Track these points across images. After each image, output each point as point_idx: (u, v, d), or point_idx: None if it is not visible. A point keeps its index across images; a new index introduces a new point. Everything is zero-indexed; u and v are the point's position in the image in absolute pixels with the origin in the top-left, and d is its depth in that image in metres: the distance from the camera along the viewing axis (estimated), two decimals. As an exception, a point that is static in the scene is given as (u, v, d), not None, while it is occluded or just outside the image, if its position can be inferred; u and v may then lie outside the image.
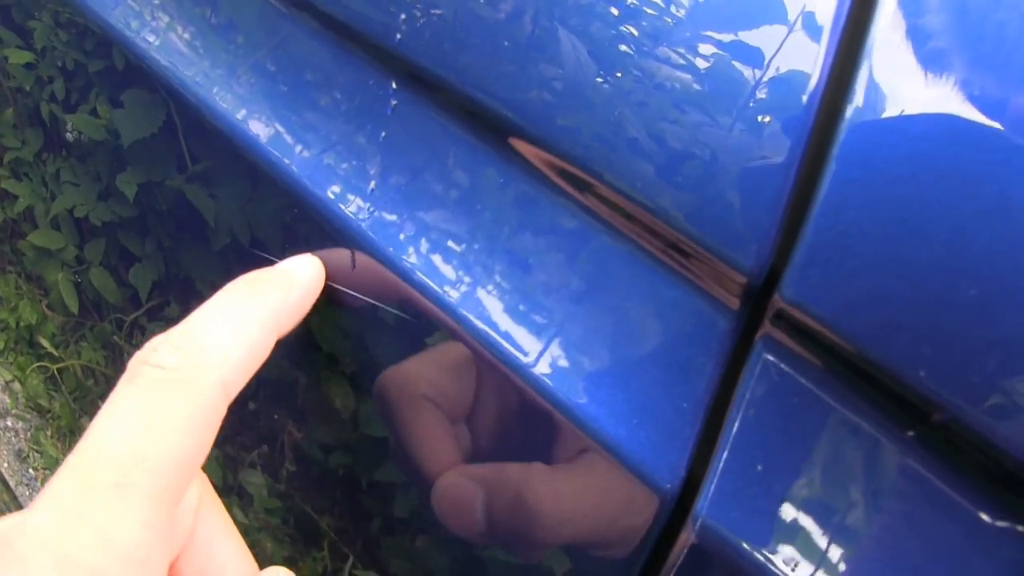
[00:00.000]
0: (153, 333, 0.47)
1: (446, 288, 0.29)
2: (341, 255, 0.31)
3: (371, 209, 0.30)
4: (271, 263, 0.31)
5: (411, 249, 0.29)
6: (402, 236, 0.30)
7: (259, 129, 0.33)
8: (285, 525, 0.44)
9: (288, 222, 0.34)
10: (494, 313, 0.28)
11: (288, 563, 0.45)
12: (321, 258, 0.32)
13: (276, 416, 0.40)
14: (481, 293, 0.28)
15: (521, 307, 0.28)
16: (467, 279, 0.29)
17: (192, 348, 0.25)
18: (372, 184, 0.30)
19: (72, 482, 0.22)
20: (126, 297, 0.49)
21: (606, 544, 0.27)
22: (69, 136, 0.48)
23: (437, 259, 0.29)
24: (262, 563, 0.47)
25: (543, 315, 0.27)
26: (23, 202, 0.54)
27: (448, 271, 0.29)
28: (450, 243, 0.29)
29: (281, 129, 0.33)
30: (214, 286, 0.41)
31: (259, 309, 0.28)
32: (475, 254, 0.29)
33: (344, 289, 0.31)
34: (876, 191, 0.20)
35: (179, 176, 0.39)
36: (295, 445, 0.40)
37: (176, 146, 0.39)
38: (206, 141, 0.37)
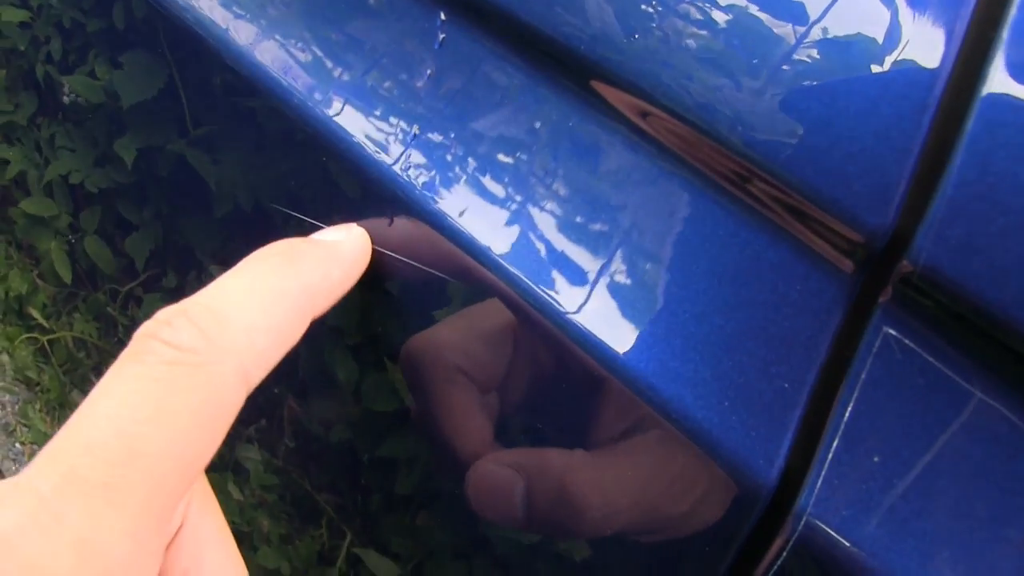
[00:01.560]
0: (150, 304, 0.46)
1: (495, 242, 0.26)
2: (378, 222, 0.28)
3: (410, 156, 0.28)
4: (299, 226, 0.29)
5: (453, 200, 0.27)
6: (445, 189, 0.27)
7: (287, 67, 0.31)
8: (282, 502, 0.43)
9: (296, 188, 0.33)
10: (553, 272, 0.25)
11: (284, 541, 0.45)
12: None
13: (276, 390, 0.39)
14: (540, 248, 0.25)
15: (590, 266, 0.25)
16: (523, 232, 0.26)
17: (213, 327, 0.22)
18: (415, 128, 0.28)
19: (52, 475, 0.19)
20: (121, 267, 0.48)
21: (668, 535, 0.24)
22: (65, 99, 0.47)
23: (485, 208, 0.26)
24: (257, 541, 0.46)
25: (619, 277, 0.24)
26: (15, 167, 0.53)
27: (498, 221, 0.26)
28: (503, 188, 0.26)
29: (316, 62, 0.30)
30: (214, 255, 0.41)
31: (294, 286, 0.24)
32: (534, 202, 0.26)
33: (382, 251, 0.28)
34: None
35: (180, 140, 0.38)
36: (294, 420, 0.40)
37: (178, 109, 0.38)
38: (215, 99, 0.36)
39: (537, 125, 0.26)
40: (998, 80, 0.18)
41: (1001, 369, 0.19)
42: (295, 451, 0.41)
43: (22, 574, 0.18)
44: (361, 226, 0.28)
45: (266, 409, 0.40)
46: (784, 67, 0.21)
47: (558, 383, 0.26)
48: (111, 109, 0.43)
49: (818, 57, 0.21)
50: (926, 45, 0.20)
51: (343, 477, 0.38)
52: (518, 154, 0.26)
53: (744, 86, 0.22)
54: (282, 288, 0.24)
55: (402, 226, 0.28)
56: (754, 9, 0.22)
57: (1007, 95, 0.18)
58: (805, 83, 0.21)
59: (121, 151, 0.42)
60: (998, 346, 0.19)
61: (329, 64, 0.30)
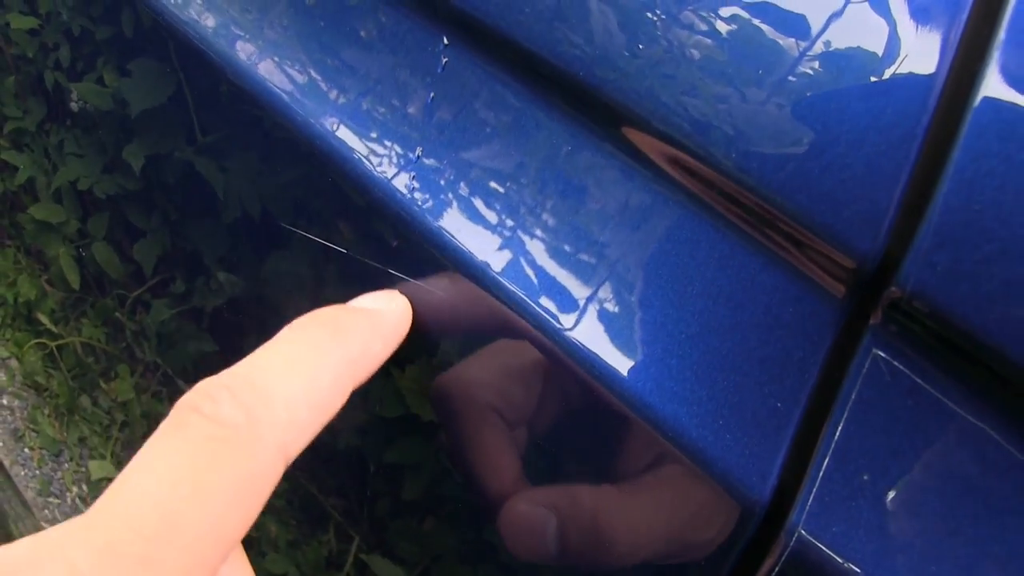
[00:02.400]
0: (158, 310, 0.47)
1: (494, 261, 0.26)
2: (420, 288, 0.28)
3: (414, 177, 0.28)
4: (305, 239, 0.28)
5: (453, 217, 0.27)
6: (452, 212, 0.27)
7: (288, 86, 0.31)
8: (290, 507, 0.43)
9: (303, 196, 0.33)
10: (551, 292, 0.25)
11: (292, 546, 0.45)
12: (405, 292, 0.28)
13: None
14: (538, 268, 0.26)
15: (588, 288, 0.25)
16: (521, 253, 0.26)
17: (255, 403, 0.21)
18: (418, 150, 0.28)
19: (89, 548, 0.18)
20: (129, 273, 0.49)
21: (680, 560, 0.25)
22: (74, 106, 0.47)
23: (485, 227, 0.27)
24: (264, 546, 0.46)
25: (617, 302, 0.25)
26: (24, 174, 0.53)
27: (494, 242, 0.27)
28: (501, 211, 0.27)
29: (315, 84, 0.31)
30: (222, 261, 0.41)
31: (337, 359, 0.24)
32: (539, 230, 0.26)
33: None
34: (1019, 164, 0.18)
35: (188, 148, 0.38)
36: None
37: (186, 117, 0.38)
38: (223, 107, 0.36)
39: (536, 148, 0.27)
40: (983, 113, 0.19)
41: (986, 391, 0.20)
42: (303, 457, 0.41)
43: None
44: (403, 291, 0.28)
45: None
46: (778, 97, 0.22)
47: (584, 417, 0.26)
48: (119, 116, 0.43)
49: (810, 88, 0.21)
50: (914, 79, 0.20)
51: (351, 483, 0.38)
52: (517, 177, 0.27)
53: (739, 114, 0.22)
54: (325, 362, 0.23)
55: (443, 288, 0.28)
56: (749, 35, 0.22)
57: (991, 127, 0.19)
58: (798, 113, 0.21)
59: (129, 158, 0.43)
60: (983, 369, 0.20)
61: (332, 86, 0.30)
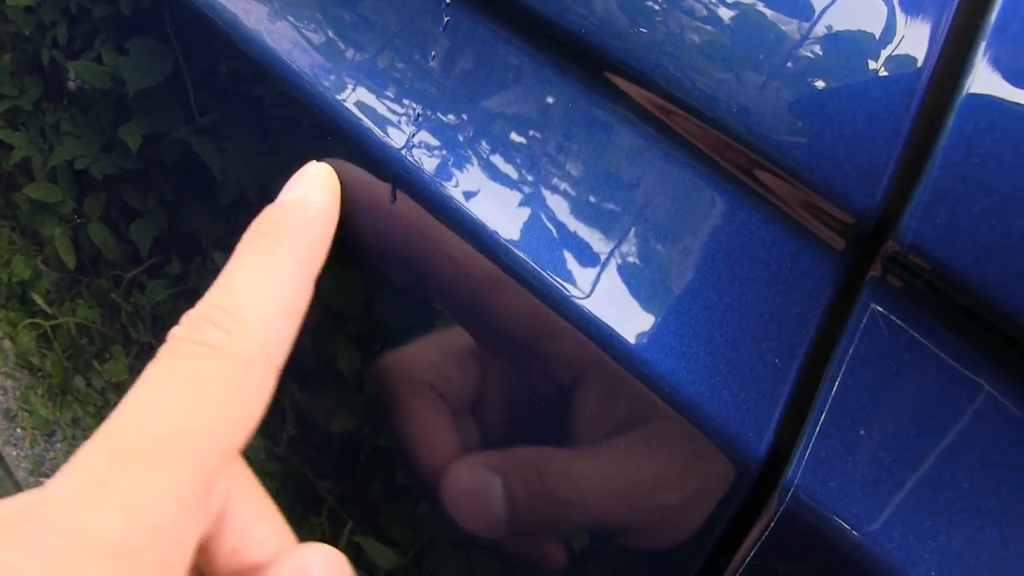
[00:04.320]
0: (154, 291, 0.46)
1: (499, 223, 0.26)
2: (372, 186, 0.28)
3: (415, 138, 0.28)
4: None
5: (459, 182, 0.27)
6: (453, 169, 0.27)
7: (291, 50, 0.31)
8: (284, 490, 0.43)
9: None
10: (552, 249, 0.25)
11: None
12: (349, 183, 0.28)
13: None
14: (537, 228, 0.26)
15: (589, 245, 0.25)
16: (523, 212, 0.26)
17: (232, 325, 0.24)
18: (419, 109, 0.28)
19: (100, 452, 0.21)
20: (126, 253, 0.48)
21: (661, 520, 0.25)
22: (71, 84, 0.47)
23: (489, 187, 0.27)
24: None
25: (616, 256, 0.25)
26: (19, 153, 0.53)
27: (503, 202, 0.26)
28: (512, 171, 0.26)
29: (314, 48, 0.30)
30: (219, 242, 0.41)
31: (287, 262, 0.26)
32: (538, 183, 0.26)
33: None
34: (1019, 117, 0.18)
35: (186, 127, 0.38)
36: (297, 408, 0.40)
37: (184, 96, 0.38)
38: (221, 87, 0.36)
39: (540, 108, 0.26)
40: (983, 69, 0.19)
41: (983, 345, 0.20)
42: (297, 439, 0.41)
43: (77, 540, 0.19)
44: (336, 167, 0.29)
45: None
46: (780, 55, 0.22)
47: (532, 400, 0.26)
48: (117, 95, 0.43)
49: (813, 46, 0.21)
50: (916, 34, 0.20)
51: (344, 465, 0.39)
52: (520, 137, 0.27)
53: (742, 73, 0.22)
54: (280, 269, 0.26)
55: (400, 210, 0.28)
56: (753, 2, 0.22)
57: (991, 82, 0.19)
58: (800, 70, 0.21)
59: (126, 137, 0.42)
60: (981, 323, 0.20)
61: (334, 46, 0.30)
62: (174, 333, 0.24)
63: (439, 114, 0.28)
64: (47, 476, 0.79)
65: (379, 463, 0.36)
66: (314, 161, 0.29)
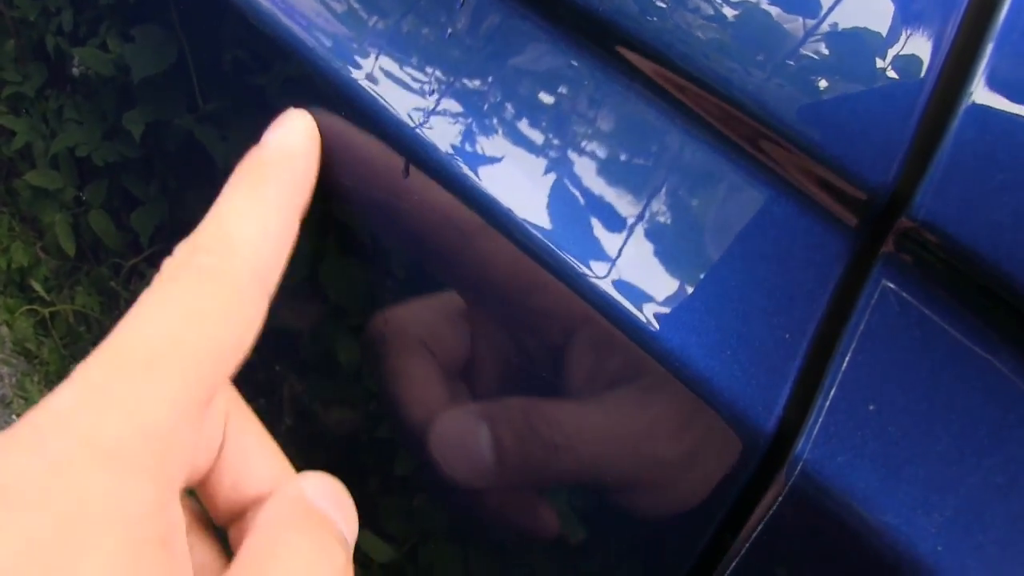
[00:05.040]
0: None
1: (511, 199, 0.26)
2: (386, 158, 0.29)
3: (429, 111, 0.28)
4: None
5: (473, 156, 0.27)
6: (464, 140, 0.27)
7: (305, 25, 0.31)
8: (279, 480, 0.43)
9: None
10: (565, 225, 0.25)
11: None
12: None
13: (277, 368, 0.39)
14: (551, 203, 0.26)
15: (600, 220, 0.25)
16: (534, 186, 0.26)
17: (223, 249, 0.25)
18: (436, 86, 0.28)
19: (100, 362, 0.22)
20: (126, 241, 0.48)
21: (658, 477, 0.25)
22: (75, 71, 0.47)
23: (501, 161, 0.27)
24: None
25: (627, 230, 0.25)
26: (21, 139, 0.53)
27: (515, 177, 0.27)
28: (534, 142, 0.27)
29: (337, 23, 0.30)
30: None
31: (273, 194, 0.27)
32: (548, 159, 0.26)
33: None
34: None
35: (189, 116, 0.38)
36: (295, 399, 0.40)
37: (188, 84, 0.38)
38: (225, 75, 0.36)
39: (555, 84, 0.27)
40: (999, 47, 0.19)
41: (994, 321, 0.20)
42: (294, 430, 0.41)
43: (76, 444, 0.20)
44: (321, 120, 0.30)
45: (266, 388, 0.40)
46: (797, 33, 0.22)
47: (525, 364, 0.26)
48: (121, 82, 0.43)
49: (830, 23, 0.21)
50: (933, 13, 0.21)
51: (342, 458, 0.39)
52: (535, 114, 0.27)
53: (757, 49, 0.22)
54: (266, 201, 0.27)
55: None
56: None
57: (1007, 59, 0.19)
58: (816, 48, 0.22)
59: (129, 125, 0.42)
60: (992, 299, 0.20)
61: (348, 21, 0.30)
62: (167, 261, 0.25)
63: (452, 94, 0.28)
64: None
65: (376, 456, 0.36)
66: (293, 108, 0.30)
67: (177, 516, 0.22)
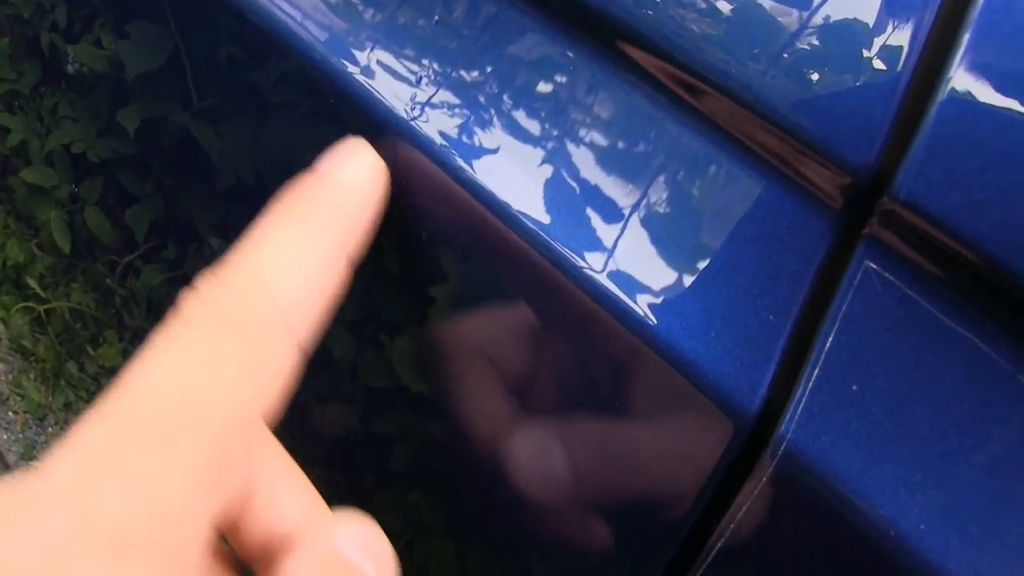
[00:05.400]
0: (149, 276, 0.46)
1: (504, 187, 0.26)
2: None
3: (419, 102, 0.28)
4: None
5: (474, 151, 0.27)
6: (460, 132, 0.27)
7: (300, 18, 0.30)
8: (275, 476, 0.43)
9: (297, 163, 0.33)
10: (557, 215, 0.25)
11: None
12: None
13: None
14: (544, 193, 0.26)
15: (585, 205, 0.25)
16: (524, 176, 0.26)
17: (252, 292, 0.22)
18: (424, 73, 0.28)
19: (102, 431, 0.19)
20: (121, 238, 0.48)
21: (668, 475, 0.25)
22: (70, 68, 0.47)
23: (493, 154, 0.27)
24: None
25: (613, 213, 0.25)
26: (16, 136, 0.53)
27: (507, 168, 0.26)
28: (526, 133, 0.27)
29: (327, 17, 0.30)
30: (215, 228, 0.41)
31: (321, 235, 0.24)
32: (546, 150, 0.26)
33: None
34: (1012, 74, 0.19)
35: (184, 112, 0.38)
36: (290, 395, 0.40)
37: (182, 81, 0.38)
38: (219, 71, 0.36)
39: (547, 77, 0.27)
40: (978, 29, 0.20)
41: (975, 300, 0.20)
42: (290, 426, 0.41)
43: (75, 524, 0.18)
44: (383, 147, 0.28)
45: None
46: (780, 18, 0.22)
47: (574, 375, 0.26)
48: (115, 79, 0.43)
49: (814, 10, 0.22)
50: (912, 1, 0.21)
51: (336, 453, 0.39)
52: (524, 103, 0.27)
53: (743, 37, 0.23)
54: (312, 241, 0.24)
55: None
56: None
57: (986, 40, 0.19)
58: (799, 35, 0.22)
59: (124, 122, 0.42)
60: (973, 278, 0.20)
61: (343, 15, 0.30)
62: (187, 297, 0.22)
63: (448, 85, 0.28)
64: (38, 460, 0.79)
65: (371, 452, 0.36)
66: (356, 137, 0.27)
67: None
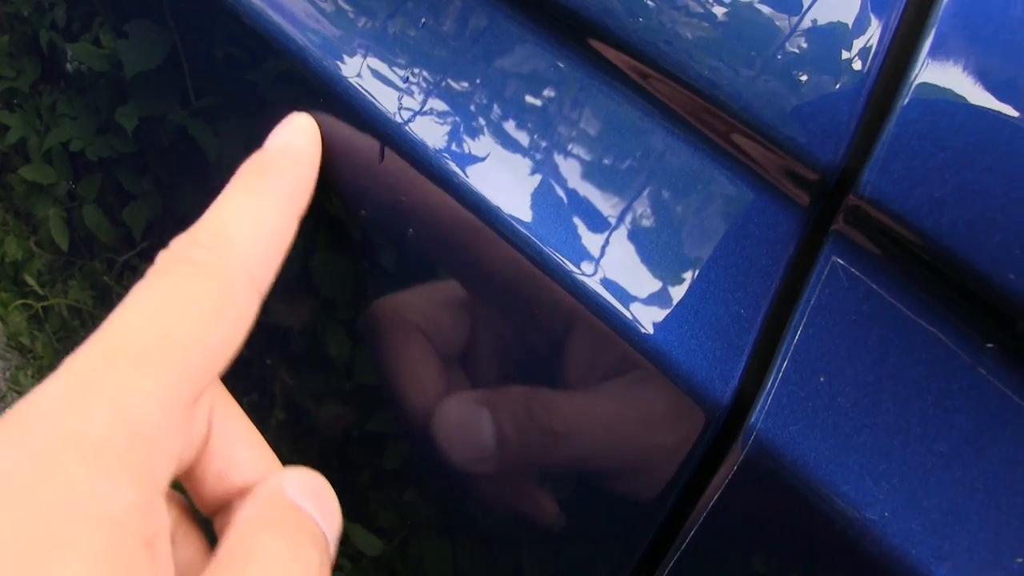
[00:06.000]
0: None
1: (486, 186, 0.27)
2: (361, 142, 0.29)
3: (403, 102, 0.29)
4: None
5: (460, 151, 0.28)
6: (442, 130, 0.28)
7: (294, 22, 0.31)
8: (271, 474, 0.44)
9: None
10: (533, 209, 0.26)
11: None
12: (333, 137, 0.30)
13: (268, 362, 0.39)
14: (521, 187, 0.26)
15: (565, 203, 0.26)
16: (506, 173, 0.27)
17: (219, 245, 0.25)
18: (411, 74, 0.29)
19: (89, 355, 0.22)
20: (119, 236, 0.49)
21: (639, 464, 0.26)
22: (69, 66, 0.47)
23: (477, 153, 0.27)
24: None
25: (586, 208, 0.26)
26: (15, 134, 0.53)
27: (494, 169, 0.27)
28: (493, 136, 0.27)
29: (319, 22, 0.31)
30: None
31: (273, 195, 0.27)
32: (524, 148, 0.27)
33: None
34: (974, 73, 0.20)
35: (182, 111, 0.38)
36: (286, 393, 0.40)
37: (181, 80, 0.38)
38: (218, 70, 0.36)
39: (522, 72, 0.27)
40: (940, 33, 0.20)
41: (937, 295, 0.21)
42: (285, 424, 0.41)
43: (61, 439, 0.20)
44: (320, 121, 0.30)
45: (258, 382, 0.40)
46: (754, 23, 0.23)
47: (521, 351, 0.27)
48: (114, 78, 0.43)
49: (783, 14, 0.22)
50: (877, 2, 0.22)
51: (333, 451, 0.39)
52: (503, 105, 0.27)
53: (715, 38, 0.23)
54: (266, 201, 0.27)
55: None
56: None
57: (949, 44, 0.20)
58: (771, 37, 0.23)
59: (123, 120, 0.43)
60: (935, 273, 0.21)
61: (338, 19, 0.31)
62: (161, 256, 0.25)
63: (441, 88, 0.29)
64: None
65: (367, 450, 0.36)
66: (297, 112, 0.30)
67: (161, 517, 0.21)
